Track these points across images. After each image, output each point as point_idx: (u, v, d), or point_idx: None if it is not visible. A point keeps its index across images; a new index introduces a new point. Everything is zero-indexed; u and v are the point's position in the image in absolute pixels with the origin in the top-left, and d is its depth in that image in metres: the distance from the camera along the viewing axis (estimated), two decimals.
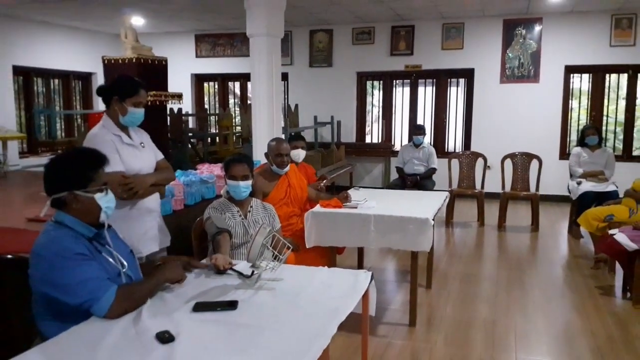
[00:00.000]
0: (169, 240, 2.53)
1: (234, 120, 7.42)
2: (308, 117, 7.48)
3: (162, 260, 1.95)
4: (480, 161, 5.84)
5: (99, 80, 8.13)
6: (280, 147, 3.15)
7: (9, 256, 1.83)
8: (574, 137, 6.90)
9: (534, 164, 5.59)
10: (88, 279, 1.53)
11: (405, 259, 4.07)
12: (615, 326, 3.04)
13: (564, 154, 6.81)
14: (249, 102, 7.92)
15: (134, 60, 4.66)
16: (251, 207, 2.63)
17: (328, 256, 3.15)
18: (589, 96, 6.95)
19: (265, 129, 4.63)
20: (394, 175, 6.39)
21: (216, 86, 8.86)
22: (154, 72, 4.76)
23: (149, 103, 2.39)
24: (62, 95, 8.16)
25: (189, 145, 6.45)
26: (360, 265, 3.92)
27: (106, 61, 4.81)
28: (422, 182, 5.54)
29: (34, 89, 7.62)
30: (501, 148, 6.17)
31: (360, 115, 7.89)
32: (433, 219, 2.92)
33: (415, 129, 5.88)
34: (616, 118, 6.98)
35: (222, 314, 1.61)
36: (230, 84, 8.89)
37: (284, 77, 7.78)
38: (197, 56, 8.51)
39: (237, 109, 8.10)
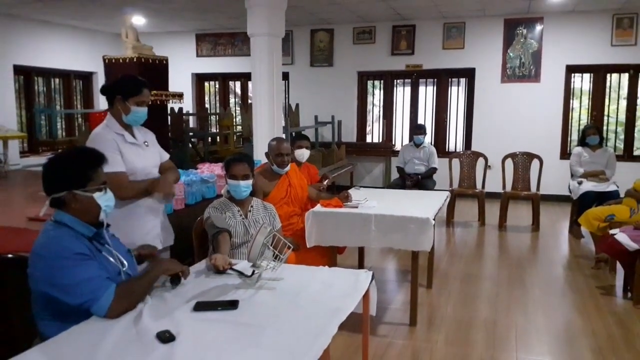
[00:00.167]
0: (173, 239, 2.54)
1: (234, 120, 7.42)
2: (309, 116, 7.49)
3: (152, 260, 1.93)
4: (481, 161, 5.84)
5: (100, 79, 8.14)
6: (280, 147, 3.15)
7: (10, 255, 1.83)
8: (574, 136, 6.90)
9: (535, 163, 5.59)
10: (87, 278, 1.53)
11: (406, 258, 4.08)
12: (616, 326, 3.04)
13: (565, 154, 6.81)
14: (249, 101, 7.92)
15: (134, 60, 4.66)
16: (252, 206, 2.64)
17: (329, 256, 3.15)
18: (590, 96, 6.95)
19: (266, 129, 4.63)
20: (394, 175, 6.39)
21: (217, 85, 8.86)
22: (154, 71, 4.75)
23: (150, 102, 2.39)
24: (63, 95, 8.17)
25: (190, 145, 6.45)
26: (360, 265, 3.92)
27: (107, 60, 4.81)
28: (422, 181, 5.54)
29: (35, 88, 7.62)
30: (502, 148, 6.17)
31: (361, 114, 7.89)
32: (434, 219, 2.92)
33: (416, 129, 5.88)
34: (617, 118, 6.97)
35: (223, 313, 1.62)
36: (231, 83, 8.89)
37: (285, 76, 7.78)
38: (197, 55, 8.51)
39: (238, 108, 8.11)
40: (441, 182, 5.92)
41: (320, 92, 7.79)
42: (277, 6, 4.63)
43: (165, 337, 1.41)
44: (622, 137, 6.98)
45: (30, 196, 4.13)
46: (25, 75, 7.43)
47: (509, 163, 5.66)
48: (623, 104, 6.85)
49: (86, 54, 8.03)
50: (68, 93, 8.19)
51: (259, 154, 4.44)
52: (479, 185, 5.79)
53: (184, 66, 8.29)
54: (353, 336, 2.62)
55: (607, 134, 6.84)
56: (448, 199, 3.73)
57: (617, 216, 3.88)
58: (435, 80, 7.52)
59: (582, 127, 6.22)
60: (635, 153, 6.88)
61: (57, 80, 8.03)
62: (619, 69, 6.70)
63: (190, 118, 7.93)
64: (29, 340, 1.62)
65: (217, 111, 8.25)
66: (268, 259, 1.93)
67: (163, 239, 2.45)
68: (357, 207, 3.10)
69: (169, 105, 5.61)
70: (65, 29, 7.77)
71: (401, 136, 7.82)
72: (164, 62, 4.97)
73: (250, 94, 8.15)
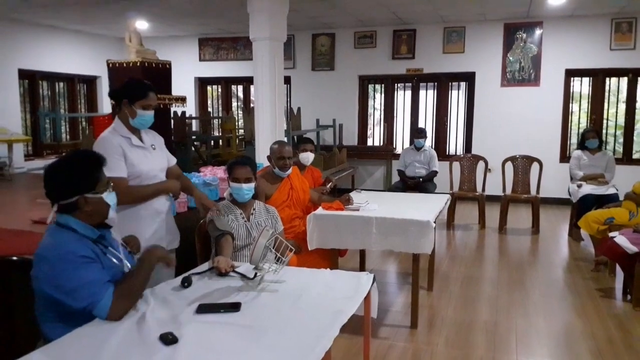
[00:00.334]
0: (178, 242, 2.56)
1: (237, 123, 7.46)
2: (310, 120, 7.52)
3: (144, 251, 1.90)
4: (481, 164, 5.87)
5: (104, 83, 8.21)
6: (282, 150, 3.18)
7: (14, 258, 1.85)
8: (574, 140, 6.92)
9: (535, 167, 5.61)
10: (89, 282, 1.54)
11: (407, 261, 4.10)
12: (616, 328, 3.06)
13: (565, 157, 6.83)
14: (251, 105, 7.97)
15: (138, 64, 4.71)
16: (254, 209, 2.66)
17: (330, 258, 3.17)
18: (589, 99, 6.97)
19: (268, 132, 4.66)
20: (395, 178, 6.41)
21: (219, 89, 8.90)
22: (158, 75, 4.80)
23: (156, 106, 2.43)
24: (67, 99, 8.22)
25: (192, 148, 6.49)
26: (362, 268, 3.95)
27: (111, 65, 4.86)
28: (423, 184, 5.57)
29: (39, 92, 7.67)
30: (502, 151, 6.20)
31: (362, 118, 7.93)
32: (434, 222, 2.94)
33: (417, 132, 5.90)
34: (616, 121, 6.99)
35: (226, 315, 1.63)
36: (234, 87, 8.94)
37: (287, 80, 7.82)
38: (200, 60, 8.56)
39: (240, 112, 8.15)
40: (442, 185, 5.95)
41: (322, 96, 7.83)
42: (278, 11, 4.66)
43: (168, 339, 1.42)
44: (621, 140, 7.00)
45: (34, 199, 4.16)
46: (29, 79, 7.49)
47: (509, 166, 5.69)
48: (622, 107, 6.87)
49: (90, 58, 8.09)
50: (72, 97, 8.25)
51: (261, 157, 4.47)
52: (479, 189, 5.82)
53: (186, 70, 8.33)
54: (354, 338, 2.65)
55: (606, 138, 6.86)
56: (448, 202, 3.75)
57: (616, 219, 3.90)
58: (436, 84, 7.56)
59: (581, 130, 6.25)
60: (635, 156, 6.90)
61: (61, 84, 8.09)
62: (618, 72, 6.72)
63: (193, 122, 7.97)
64: (33, 342, 1.63)
65: (220, 115, 8.29)
66: (270, 262, 1.95)
67: (168, 241, 2.47)
68: (358, 210, 3.13)
69: (172, 109, 5.66)
70: (69, 34, 7.83)
71: (402, 139, 7.85)
72: (167, 66, 5.01)
73: (252, 98, 8.20)
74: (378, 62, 7.53)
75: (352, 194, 3.42)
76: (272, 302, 1.77)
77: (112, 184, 1.75)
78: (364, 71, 7.68)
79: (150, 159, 2.38)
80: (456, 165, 5.93)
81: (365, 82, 7.86)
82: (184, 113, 6.50)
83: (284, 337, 1.49)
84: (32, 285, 1.59)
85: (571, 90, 6.98)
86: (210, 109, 8.84)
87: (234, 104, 9.03)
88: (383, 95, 7.87)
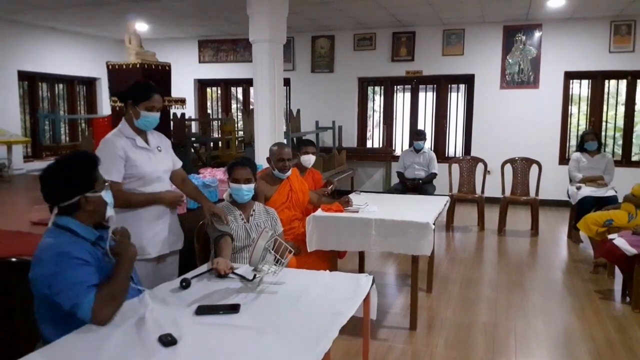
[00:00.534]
0: (182, 243, 2.57)
1: (236, 125, 7.47)
2: (310, 122, 7.53)
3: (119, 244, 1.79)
4: (480, 166, 5.87)
5: (103, 85, 8.21)
6: (282, 152, 3.19)
7: (14, 259, 1.85)
8: (573, 142, 6.93)
9: (534, 169, 5.62)
10: (76, 283, 1.53)
11: (406, 263, 4.10)
12: (615, 330, 3.06)
13: (564, 159, 6.84)
14: (251, 107, 7.97)
15: (137, 66, 4.70)
16: (254, 210, 2.67)
17: (329, 260, 3.18)
18: (589, 102, 6.99)
19: (268, 134, 4.67)
20: (394, 180, 6.42)
21: (219, 91, 8.91)
22: (157, 77, 4.79)
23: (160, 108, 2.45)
24: (67, 100, 8.23)
25: (192, 150, 6.49)
26: (361, 269, 3.95)
27: (110, 66, 4.86)
28: (422, 186, 5.57)
29: (39, 93, 7.68)
30: (501, 153, 6.20)
31: (362, 120, 7.94)
32: (434, 224, 2.95)
33: (416, 134, 5.91)
34: (615, 123, 7.01)
35: (225, 317, 1.63)
36: (233, 89, 8.95)
37: (286, 82, 7.84)
38: (200, 61, 8.57)
39: (240, 113, 8.16)
40: (441, 187, 5.95)
41: (321, 98, 7.84)
42: (278, 13, 4.68)
43: (167, 341, 1.43)
44: (620, 142, 7.01)
45: (33, 201, 4.16)
46: (29, 80, 7.49)
47: (508, 168, 5.69)
48: (621, 109, 6.88)
49: (90, 60, 8.10)
50: (72, 98, 8.25)
51: (261, 159, 4.47)
52: (478, 191, 5.82)
53: (186, 72, 8.34)
54: (353, 340, 2.65)
55: (605, 140, 6.87)
56: (448, 204, 3.75)
57: (615, 221, 3.91)
58: (435, 86, 7.57)
59: (580, 132, 6.26)
60: (634, 158, 6.91)
61: (61, 85, 8.09)
62: (617, 75, 6.74)
63: (193, 123, 7.99)
64: (33, 343, 1.63)
65: (219, 116, 8.30)
66: (269, 263, 1.96)
67: (171, 242, 2.48)
68: (357, 212, 3.13)
69: (172, 111, 5.66)
70: (69, 35, 7.84)
71: (401, 141, 7.86)
72: (167, 68, 5.02)
73: (251, 100, 8.20)
74: (377, 64, 7.55)
75: (352, 196, 3.43)
76: (272, 304, 1.77)
77: (108, 182, 1.76)
78: (363, 73, 7.69)
79: (155, 160, 2.39)
80: (455, 167, 5.94)
81: (364, 84, 7.88)
82: (183, 115, 6.51)
83: (283, 339, 1.50)
84: (31, 287, 1.59)
85: (570, 93, 6.99)
86: (209, 111, 8.85)
87: (234, 105, 9.04)
88: (382, 97, 7.89)
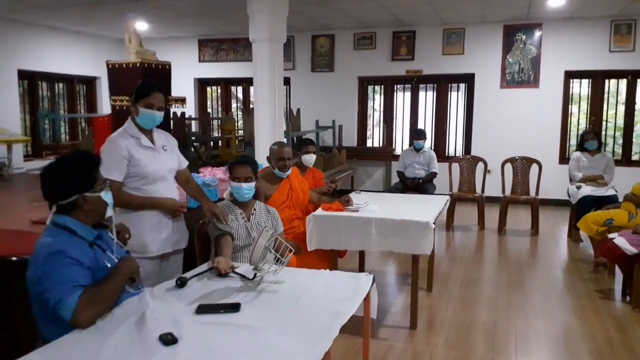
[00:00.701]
0: (186, 242, 2.58)
1: (236, 124, 7.47)
2: (310, 121, 7.53)
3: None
4: (480, 165, 5.87)
5: (103, 84, 8.21)
6: (282, 151, 3.19)
7: (14, 258, 1.85)
8: (573, 141, 6.93)
9: (534, 168, 5.62)
10: (65, 281, 1.52)
11: (406, 262, 4.10)
12: (615, 329, 3.06)
13: (564, 159, 6.84)
14: (251, 106, 7.96)
15: (138, 65, 4.71)
16: (255, 209, 2.67)
17: (329, 259, 3.18)
18: (589, 101, 6.99)
19: (268, 133, 4.67)
20: (394, 179, 6.42)
21: (219, 90, 8.91)
22: (157, 76, 4.80)
23: (162, 107, 2.46)
24: (67, 99, 8.23)
25: (192, 149, 6.49)
26: (361, 269, 3.95)
27: (110, 65, 4.86)
28: (422, 186, 5.58)
29: (39, 92, 7.68)
30: (501, 152, 6.20)
31: (362, 119, 7.94)
32: (434, 223, 2.95)
33: (416, 134, 5.91)
34: (615, 123, 7.01)
35: (225, 316, 1.63)
36: (233, 88, 8.94)
37: (286, 81, 7.83)
38: (200, 61, 8.57)
39: (240, 113, 8.16)
40: (441, 187, 5.95)
41: (321, 97, 7.83)
42: (278, 12, 4.67)
43: (168, 340, 1.43)
44: (620, 142, 7.01)
45: (33, 200, 4.16)
46: (29, 79, 7.49)
47: (508, 167, 5.69)
48: (621, 109, 6.88)
49: (90, 59, 8.09)
50: (72, 97, 8.25)
51: (261, 158, 4.47)
52: (478, 190, 5.82)
53: (186, 71, 8.34)
54: (354, 339, 2.65)
55: (605, 139, 6.87)
56: (448, 203, 3.76)
57: (615, 220, 3.91)
58: (435, 85, 7.57)
59: (580, 132, 6.25)
60: (634, 158, 6.91)
61: (60, 84, 8.09)
62: (617, 74, 6.74)
63: (193, 122, 7.98)
64: (33, 343, 1.63)
65: (219, 116, 8.30)
66: (270, 262, 1.96)
67: (174, 241, 2.48)
68: (357, 211, 3.13)
69: (172, 110, 5.66)
70: (69, 34, 7.83)
71: (401, 141, 7.86)
72: (167, 67, 5.02)
73: (252, 99, 8.20)
74: (377, 64, 7.54)
75: (352, 195, 3.43)
76: (272, 303, 1.77)
77: (109, 182, 1.76)
78: (363, 72, 7.69)
79: (159, 159, 2.40)
80: (455, 166, 5.94)
81: (364, 83, 7.87)
82: (183, 114, 6.51)
83: (284, 338, 1.49)
84: (28, 287, 1.59)
85: (570, 92, 6.99)
86: (209, 110, 8.85)
87: (234, 104, 9.04)
88: (382, 96, 7.89)
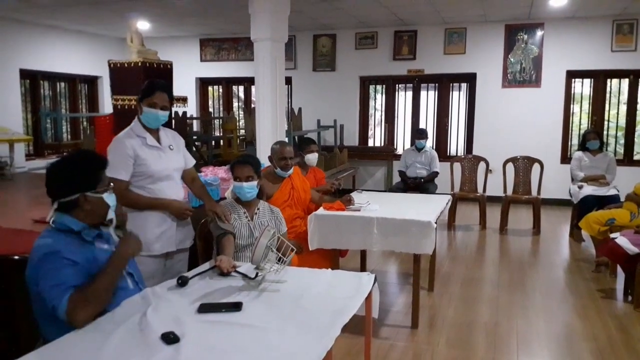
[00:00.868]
0: (191, 241, 2.58)
1: (238, 124, 7.47)
2: (311, 120, 7.53)
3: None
4: (482, 165, 5.87)
5: (105, 83, 8.22)
6: (284, 151, 3.19)
7: (15, 257, 1.85)
8: (575, 141, 6.93)
9: (536, 167, 5.61)
10: (58, 284, 1.52)
11: (408, 261, 4.10)
12: (617, 329, 3.06)
13: (566, 158, 6.83)
14: (252, 105, 7.97)
15: (139, 64, 4.71)
16: (258, 209, 2.66)
17: (331, 258, 3.18)
18: (590, 101, 6.98)
19: (269, 133, 4.66)
20: (396, 179, 6.42)
21: (220, 90, 8.92)
22: (159, 75, 4.80)
23: (166, 106, 2.47)
24: (68, 99, 8.24)
25: (194, 148, 6.50)
26: (362, 268, 3.95)
27: (112, 65, 4.87)
28: (424, 185, 5.57)
29: (41, 92, 7.69)
30: (503, 152, 6.20)
31: (363, 119, 7.93)
32: (435, 222, 2.95)
33: (418, 133, 5.91)
34: (617, 122, 6.99)
35: (227, 315, 1.63)
36: (235, 87, 8.95)
37: (288, 81, 7.82)
38: (201, 60, 8.57)
39: (241, 112, 8.16)
40: (442, 186, 5.95)
41: (323, 97, 7.83)
42: (280, 12, 4.67)
43: (170, 339, 1.43)
44: (622, 141, 7.00)
45: (35, 199, 4.17)
46: (31, 79, 7.50)
47: (510, 167, 5.69)
48: (623, 108, 6.87)
49: (91, 58, 8.10)
50: (73, 97, 8.26)
51: (262, 158, 4.46)
52: (480, 189, 5.82)
53: (188, 71, 8.34)
54: (355, 338, 2.65)
55: (607, 139, 6.86)
56: (449, 203, 3.75)
57: (617, 220, 3.91)
58: (437, 85, 7.56)
59: (582, 131, 6.25)
60: (635, 157, 6.90)
61: (62, 84, 8.10)
62: (619, 74, 6.73)
63: (194, 122, 7.98)
64: (34, 342, 1.63)
65: (221, 115, 8.30)
66: (271, 262, 1.96)
67: (178, 240, 2.49)
68: (359, 211, 3.13)
69: (173, 109, 5.66)
70: (71, 34, 7.84)
71: (403, 140, 7.85)
72: (169, 66, 5.02)
73: (253, 98, 8.21)
74: (379, 63, 7.54)
75: (353, 195, 3.43)
76: (274, 302, 1.77)
77: (112, 185, 1.76)
78: (365, 72, 7.69)
79: (165, 159, 2.41)
80: (457, 166, 5.94)
81: (366, 82, 7.87)
82: (184, 113, 6.51)
83: (286, 337, 1.50)
84: (27, 285, 1.60)
85: (572, 92, 6.98)
86: (211, 110, 8.85)
87: (235, 104, 9.04)
88: (384, 96, 7.88)
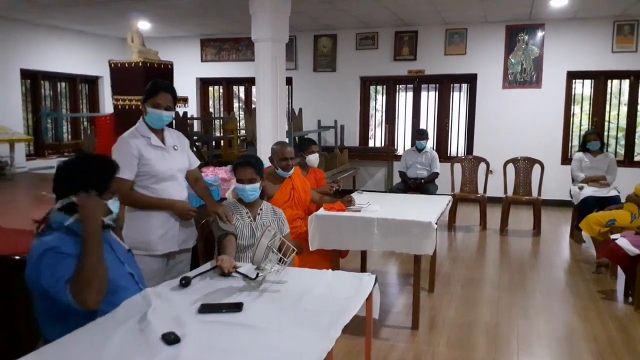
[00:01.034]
0: (194, 241, 2.59)
1: (238, 124, 7.47)
2: (312, 121, 7.53)
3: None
4: (482, 166, 5.87)
5: (106, 83, 8.22)
6: (285, 151, 3.19)
7: (16, 257, 1.86)
8: (575, 142, 6.93)
9: (536, 168, 5.61)
10: (58, 279, 1.52)
11: (408, 262, 4.10)
12: (617, 330, 3.06)
13: (566, 159, 6.83)
14: (253, 106, 7.98)
15: (140, 64, 4.72)
16: (261, 209, 2.66)
17: (331, 259, 3.18)
18: (591, 102, 6.97)
19: (270, 133, 4.66)
20: (396, 180, 6.41)
21: (221, 90, 8.92)
22: (159, 76, 4.81)
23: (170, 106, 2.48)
24: (69, 99, 8.24)
25: (194, 149, 6.49)
26: (363, 269, 3.95)
27: (113, 65, 4.87)
28: (424, 186, 5.57)
29: (41, 92, 7.68)
30: (503, 153, 6.20)
31: (364, 119, 7.93)
32: (436, 223, 2.95)
33: (418, 134, 5.91)
34: (618, 123, 6.99)
35: (228, 315, 1.63)
36: (235, 88, 8.95)
37: (288, 81, 7.83)
38: (202, 60, 8.57)
39: (242, 112, 8.16)
40: (443, 187, 5.95)
41: (323, 97, 7.83)
42: (281, 12, 4.67)
43: (171, 339, 1.43)
44: (622, 142, 6.99)
45: (35, 199, 4.16)
46: (31, 79, 7.50)
47: (511, 168, 5.68)
48: (624, 109, 6.87)
49: (92, 58, 8.10)
50: (74, 97, 8.26)
51: (263, 158, 4.45)
52: (480, 190, 5.82)
53: (188, 71, 8.35)
54: (355, 339, 2.64)
55: (607, 140, 6.85)
56: (450, 204, 3.75)
57: (618, 221, 3.91)
58: (437, 85, 7.56)
59: (583, 132, 6.24)
60: (636, 158, 6.89)
61: (63, 84, 8.10)
62: (619, 75, 6.72)
63: (195, 122, 7.99)
64: (34, 342, 1.63)
65: (221, 115, 8.30)
66: (272, 262, 1.96)
67: (181, 240, 2.49)
68: (360, 211, 3.13)
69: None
70: (71, 34, 7.84)
71: (403, 141, 7.85)
72: (169, 66, 5.03)
73: (254, 99, 8.21)
74: (379, 64, 7.54)
75: (354, 195, 3.43)
76: (274, 303, 1.77)
77: (117, 195, 1.75)
78: (365, 72, 7.69)
79: (169, 159, 2.42)
80: (457, 166, 5.93)
81: (366, 83, 7.87)
82: (185, 113, 6.51)
83: (286, 338, 1.50)
84: (28, 286, 1.59)
85: (573, 93, 6.98)
86: (211, 110, 8.85)
87: (236, 104, 9.04)
88: (384, 96, 7.88)
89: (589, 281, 3.95)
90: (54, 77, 7.84)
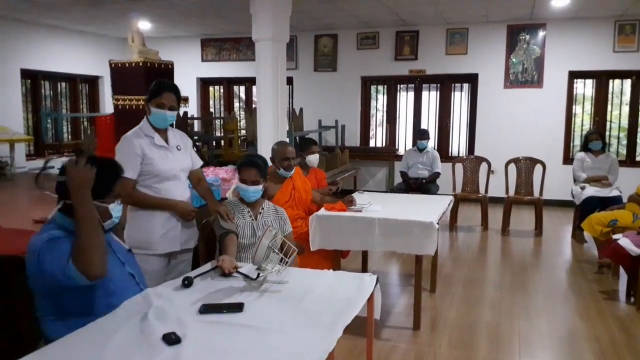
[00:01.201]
0: (195, 242, 2.59)
1: (239, 124, 7.46)
2: (312, 120, 7.52)
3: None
4: (484, 165, 5.86)
5: (106, 83, 8.22)
6: (286, 151, 3.18)
7: (16, 257, 1.85)
8: (577, 142, 6.91)
9: (538, 168, 5.60)
10: (59, 257, 1.53)
11: (410, 262, 4.09)
12: (619, 331, 3.05)
13: (568, 159, 6.82)
14: (254, 105, 7.97)
15: (140, 64, 4.72)
16: (262, 209, 2.65)
17: (332, 259, 3.17)
18: (593, 101, 6.96)
19: (270, 133, 4.65)
20: (397, 180, 6.41)
21: (221, 90, 8.91)
22: (160, 75, 4.80)
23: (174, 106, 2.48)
24: (69, 99, 8.24)
25: (194, 149, 6.47)
26: (364, 269, 3.94)
27: (113, 65, 4.87)
28: (426, 186, 5.56)
29: (42, 92, 7.69)
30: (505, 153, 6.18)
31: (365, 119, 7.93)
32: (437, 223, 2.94)
33: (419, 134, 5.90)
34: (620, 123, 6.98)
35: (229, 316, 1.63)
36: (236, 87, 8.94)
37: (289, 81, 7.82)
38: (202, 60, 8.57)
39: (242, 112, 8.16)
40: (444, 187, 5.93)
41: (324, 97, 7.83)
42: (281, 12, 4.66)
43: (172, 339, 1.42)
44: (624, 142, 6.98)
45: (35, 199, 4.16)
46: (32, 79, 7.50)
47: (512, 168, 5.67)
48: (625, 109, 6.85)
49: (92, 58, 8.10)
50: (74, 97, 8.26)
51: None
52: (482, 190, 5.80)
53: (189, 71, 8.34)
54: (357, 339, 2.64)
55: (609, 140, 6.84)
56: (451, 204, 3.74)
57: (620, 221, 3.89)
58: (439, 85, 7.55)
59: (584, 132, 6.23)
60: (638, 158, 6.88)
61: (63, 84, 8.10)
62: (621, 75, 6.71)
63: (195, 122, 7.98)
64: (35, 342, 1.63)
65: (222, 115, 8.29)
66: (273, 262, 1.95)
67: (182, 240, 2.49)
68: (361, 211, 3.12)
69: None
70: (72, 34, 7.84)
71: (404, 141, 7.84)
72: (170, 66, 5.02)
73: (254, 99, 8.21)
74: (380, 63, 7.53)
75: (355, 195, 3.42)
76: (275, 303, 1.76)
77: (120, 199, 1.75)
78: (366, 72, 7.68)
79: (172, 159, 2.43)
80: (459, 166, 5.92)
81: (367, 83, 7.86)
82: (185, 113, 6.51)
83: (287, 338, 1.49)
84: (29, 284, 1.59)
85: (574, 92, 6.96)
86: (212, 110, 8.85)
87: (236, 104, 9.03)
88: (385, 96, 7.87)
89: (590, 281, 3.94)
90: (54, 77, 7.84)
